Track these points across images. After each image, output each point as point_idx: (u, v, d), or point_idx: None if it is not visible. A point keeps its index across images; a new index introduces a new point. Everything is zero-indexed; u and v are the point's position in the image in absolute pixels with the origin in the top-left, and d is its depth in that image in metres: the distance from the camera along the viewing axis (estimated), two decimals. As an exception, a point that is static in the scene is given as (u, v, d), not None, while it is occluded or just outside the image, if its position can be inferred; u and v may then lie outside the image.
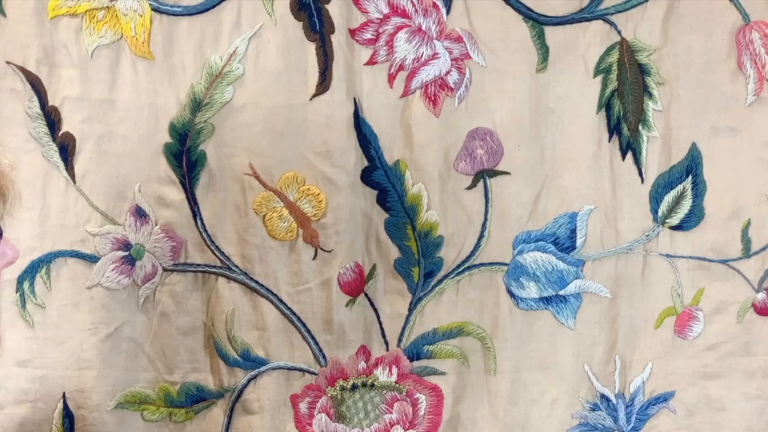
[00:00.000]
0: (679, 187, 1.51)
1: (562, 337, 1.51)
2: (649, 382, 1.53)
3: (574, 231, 1.50)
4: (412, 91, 1.45)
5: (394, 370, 1.50)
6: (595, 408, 1.53)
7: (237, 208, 1.44)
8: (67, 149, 1.40)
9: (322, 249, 1.45)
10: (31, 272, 1.39)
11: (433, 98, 1.46)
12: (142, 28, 1.40)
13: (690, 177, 1.51)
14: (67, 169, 1.40)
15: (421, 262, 1.48)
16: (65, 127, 1.39)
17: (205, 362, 1.47)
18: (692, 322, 1.53)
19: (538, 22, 1.47)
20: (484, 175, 1.47)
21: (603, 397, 1.53)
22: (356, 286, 1.47)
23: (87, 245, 1.41)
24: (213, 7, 1.40)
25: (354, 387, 1.49)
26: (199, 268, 1.45)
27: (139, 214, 1.42)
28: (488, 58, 1.46)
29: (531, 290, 1.50)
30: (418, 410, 1.51)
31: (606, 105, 1.49)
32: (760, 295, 1.54)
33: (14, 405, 1.40)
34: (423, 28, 1.45)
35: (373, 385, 1.50)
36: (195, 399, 1.48)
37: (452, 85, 1.46)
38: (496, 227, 1.48)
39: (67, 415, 1.43)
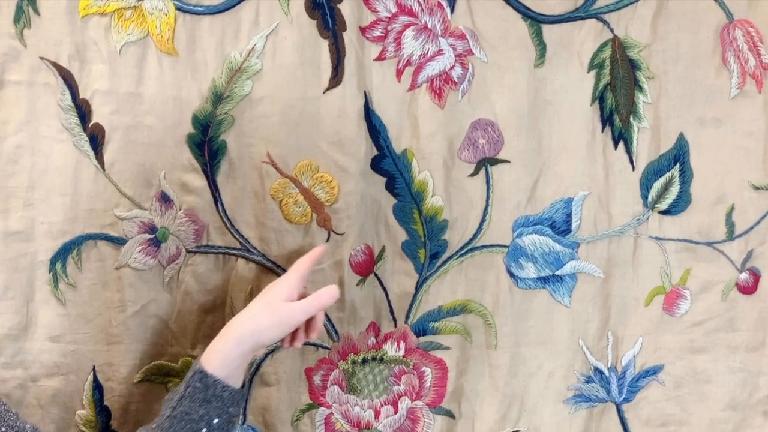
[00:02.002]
0: (668, 175, 1.53)
1: (559, 314, 1.54)
2: (640, 356, 1.56)
3: (569, 215, 1.52)
4: (418, 85, 1.47)
5: (402, 345, 1.53)
6: (589, 380, 1.56)
7: (255, 193, 1.45)
8: (96, 139, 1.40)
9: (334, 232, 1.47)
10: (63, 254, 1.40)
11: (438, 91, 1.48)
12: (167, 26, 1.41)
13: (678, 165, 1.53)
14: (96, 158, 1.41)
15: (427, 244, 1.50)
16: (95, 119, 1.40)
17: None
18: (680, 300, 1.56)
19: (536, 20, 1.48)
20: (485, 163, 1.50)
21: (597, 370, 1.56)
22: (366, 266, 1.50)
23: (115, 228, 1.42)
24: (233, 6, 1.41)
25: (364, 361, 1.52)
26: (220, 250, 1.47)
27: (164, 199, 1.43)
28: (489, 54, 1.48)
29: (529, 270, 1.53)
30: (424, 382, 1.54)
31: (599, 98, 1.51)
32: (743, 275, 1.56)
33: (47, 378, 1.42)
34: (429, 26, 1.47)
35: (382, 359, 1.52)
36: (217, 372, 1.50)
37: (456, 80, 1.48)
38: (496, 212, 1.51)
39: (97, 387, 1.45)
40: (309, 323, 1.33)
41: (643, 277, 1.55)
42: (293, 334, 1.34)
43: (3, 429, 1.20)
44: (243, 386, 1.31)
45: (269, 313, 1.28)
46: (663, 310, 1.56)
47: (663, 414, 1.58)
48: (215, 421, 1.26)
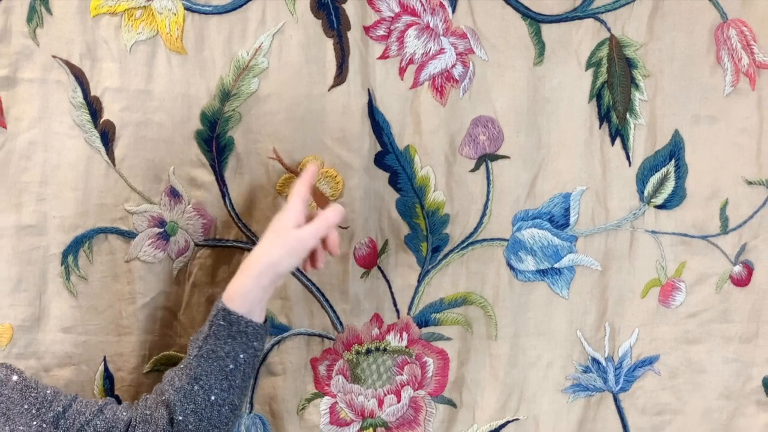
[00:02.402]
0: (663, 170, 1.54)
1: (557, 306, 1.55)
2: (636, 347, 1.57)
3: (567, 210, 1.53)
4: (420, 83, 1.48)
5: (405, 335, 1.53)
6: (587, 370, 1.57)
7: (262, 188, 1.46)
8: (107, 135, 1.41)
9: (339, 226, 1.44)
10: (75, 247, 1.41)
11: (440, 89, 1.48)
12: (176, 26, 1.42)
13: (673, 161, 1.54)
14: (107, 154, 1.41)
15: (429, 237, 1.51)
16: (106, 115, 1.41)
17: None
18: (675, 292, 1.57)
19: (535, 20, 1.49)
20: (486, 158, 1.50)
21: (594, 360, 1.57)
22: (370, 259, 1.51)
23: (126, 222, 1.43)
24: (240, 6, 1.42)
25: (368, 351, 1.53)
26: (228, 243, 1.48)
27: (173, 194, 1.44)
28: (490, 52, 1.49)
29: (529, 263, 1.53)
30: (427, 372, 1.55)
31: (597, 95, 1.51)
32: (737, 268, 1.57)
33: (60, 368, 1.44)
34: (431, 25, 1.47)
35: (385, 350, 1.53)
36: (224, 362, 1.49)
37: (457, 77, 1.48)
38: (496, 206, 1.51)
39: (108, 377, 1.46)
40: (325, 243, 1.33)
41: (640, 269, 1.56)
42: (312, 258, 1.34)
43: (26, 407, 1.22)
44: (266, 321, 1.32)
45: (281, 244, 1.28)
46: (659, 302, 1.57)
47: (658, 403, 1.59)
48: (241, 356, 1.27)
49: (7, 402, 1.21)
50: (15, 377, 1.25)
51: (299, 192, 1.32)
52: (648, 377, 1.59)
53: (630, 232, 1.55)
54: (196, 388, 1.26)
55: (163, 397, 1.26)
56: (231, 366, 1.27)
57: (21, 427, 1.19)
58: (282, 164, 1.46)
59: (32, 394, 1.24)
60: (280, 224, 1.30)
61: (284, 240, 1.28)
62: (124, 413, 1.26)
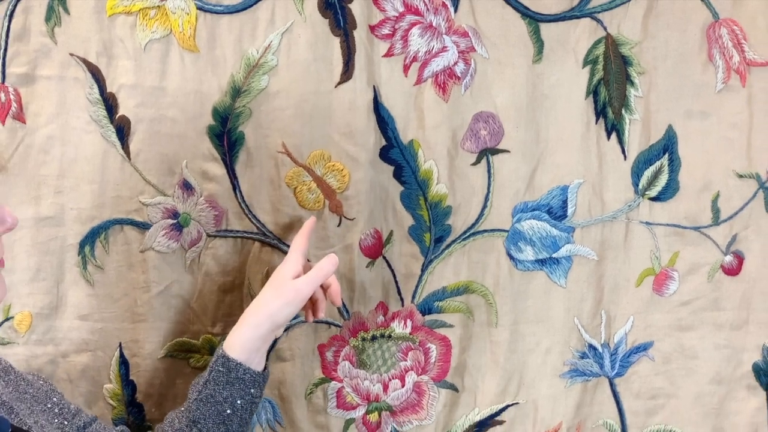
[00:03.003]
0: (657, 163, 1.55)
1: (555, 294, 1.55)
2: (631, 334, 1.58)
3: (565, 202, 1.54)
4: (424, 80, 1.49)
5: (409, 323, 1.55)
6: (583, 356, 1.58)
7: (271, 181, 1.47)
8: (123, 130, 1.43)
9: (345, 217, 1.49)
10: (91, 238, 1.44)
11: (442, 86, 1.50)
12: (189, 25, 1.43)
13: (666, 154, 1.55)
14: (123, 148, 1.43)
15: (432, 228, 1.53)
16: (121, 111, 1.42)
17: None
18: (668, 281, 1.57)
19: (534, 19, 1.50)
20: (486, 152, 1.52)
21: (591, 346, 1.58)
22: (375, 249, 1.52)
23: (140, 214, 1.45)
24: (250, 6, 1.43)
25: (373, 338, 1.54)
26: (239, 234, 1.49)
27: (186, 186, 1.46)
28: (490, 50, 1.50)
29: (528, 253, 1.55)
30: (430, 358, 1.56)
31: (593, 92, 1.53)
32: (728, 258, 1.58)
33: (77, 354, 1.46)
34: (434, 24, 1.49)
35: (390, 336, 1.55)
36: (235, 348, 1.50)
37: (459, 75, 1.50)
38: (497, 198, 1.52)
39: (123, 362, 1.48)
40: (326, 292, 1.37)
41: (634, 259, 1.56)
42: (314, 307, 1.38)
43: (49, 405, 1.26)
44: (265, 368, 1.35)
45: (278, 295, 1.31)
46: (653, 291, 1.58)
47: (653, 387, 1.60)
48: (238, 402, 1.31)
49: (32, 399, 1.24)
50: (41, 382, 1.29)
51: (298, 245, 1.37)
52: (642, 363, 1.59)
53: (625, 223, 1.56)
54: (194, 431, 1.30)
55: None
56: (228, 411, 1.30)
57: (42, 421, 1.21)
58: (290, 158, 1.47)
59: (55, 398, 1.27)
60: (278, 276, 1.33)
61: (281, 291, 1.32)
62: None
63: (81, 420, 1.29)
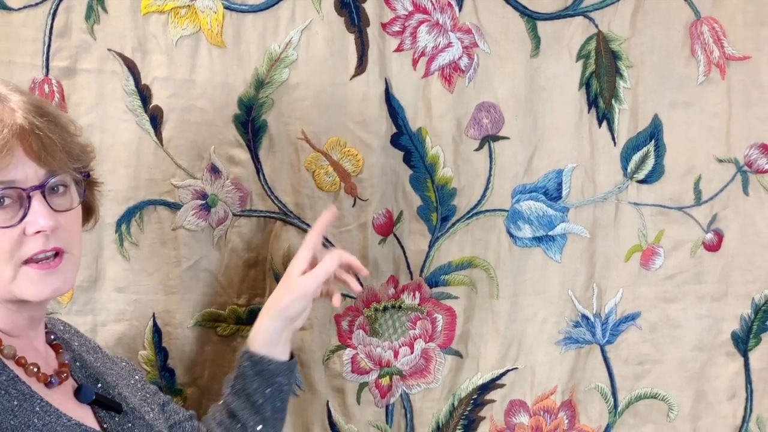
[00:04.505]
0: (644, 149, 1.61)
1: (551, 269, 1.62)
2: (620, 305, 1.64)
3: (560, 184, 1.59)
4: (431, 73, 1.55)
5: (417, 294, 1.59)
6: (577, 325, 1.64)
7: (292, 165, 1.52)
8: (156, 119, 1.47)
9: (359, 198, 1.54)
10: (127, 217, 1.48)
11: (448, 78, 1.55)
12: (216, 23, 1.48)
13: (653, 141, 1.61)
14: (156, 135, 1.48)
15: (438, 208, 1.57)
16: (155, 101, 1.47)
17: (266, 289, 1.54)
18: (654, 256, 1.63)
19: (531, 17, 1.56)
20: (488, 139, 1.57)
21: (583, 316, 1.64)
22: (387, 228, 1.57)
23: (172, 195, 1.50)
24: (273, 5, 1.49)
25: (385, 308, 1.59)
26: (262, 214, 1.53)
27: (214, 170, 1.50)
28: (492, 46, 1.56)
29: (526, 231, 1.60)
30: (436, 327, 1.60)
31: (586, 84, 1.58)
32: (709, 235, 1.64)
33: (114, 323, 1.50)
34: (440, 22, 1.54)
35: (400, 307, 1.59)
36: (258, 318, 1.49)
37: (463, 68, 1.55)
38: (498, 181, 1.58)
39: (156, 331, 1.53)
40: (342, 279, 1.41)
41: (623, 236, 1.63)
42: (329, 293, 1.43)
43: (132, 382, 1.31)
44: (292, 357, 1.40)
45: (287, 291, 1.38)
46: (640, 265, 1.63)
47: (640, 354, 1.66)
48: (267, 390, 1.37)
49: (117, 375, 1.30)
50: (124, 363, 1.36)
51: (308, 241, 1.41)
52: (631, 331, 1.65)
53: (615, 203, 1.61)
54: (233, 422, 1.37)
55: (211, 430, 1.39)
56: (260, 400, 1.37)
57: (126, 393, 1.26)
58: (309, 144, 1.52)
59: (138, 375, 1.34)
60: (288, 274, 1.39)
61: (289, 287, 1.38)
62: (203, 429, 1.38)
63: (160, 399, 1.35)
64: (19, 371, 1.08)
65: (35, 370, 1.10)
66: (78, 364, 1.21)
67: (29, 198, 1.05)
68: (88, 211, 1.20)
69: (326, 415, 1.61)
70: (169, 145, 1.50)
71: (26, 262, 1.06)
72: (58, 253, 1.08)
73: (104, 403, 1.13)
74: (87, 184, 1.16)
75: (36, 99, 1.12)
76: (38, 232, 1.05)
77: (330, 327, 1.60)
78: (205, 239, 1.54)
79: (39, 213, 1.05)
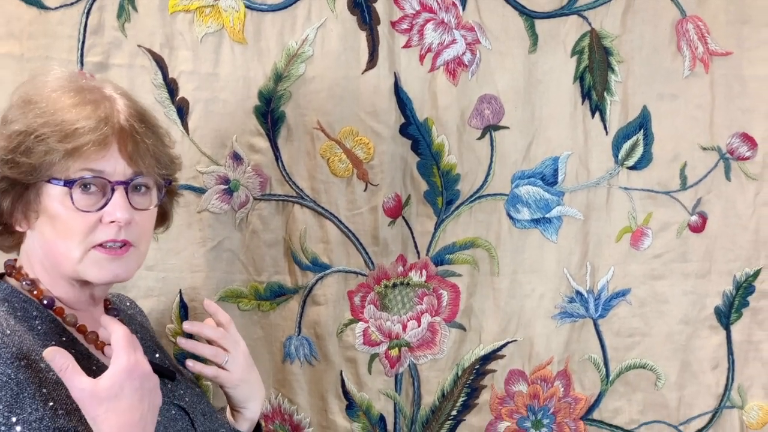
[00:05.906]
0: (634, 138, 1.66)
1: (548, 249, 1.67)
2: (612, 282, 1.70)
3: (556, 170, 1.65)
4: (437, 67, 1.60)
5: (424, 272, 1.64)
6: (572, 301, 1.69)
7: (308, 153, 1.58)
8: (182, 110, 1.52)
9: (370, 183, 1.60)
10: None
11: (452, 72, 1.60)
12: (238, 21, 1.53)
13: (642, 130, 1.66)
14: (182, 125, 1.52)
15: (443, 193, 1.62)
16: (181, 94, 1.52)
17: (284, 267, 1.60)
18: (643, 237, 1.69)
19: (530, 16, 1.61)
20: (490, 129, 1.63)
21: (578, 292, 1.69)
22: (396, 210, 1.61)
23: (197, 180, 1.54)
24: (290, 5, 1.55)
25: (394, 285, 1.63)
26: (280, 198, 1.58)
27: (236, 157, 1.55)
28: (493, 42, 1.61)
29: (524, 214, 1.65)
30: (442, 302, 1.65)
31: (580, 77, 1.64)
32: (693, 218, 1.69)
33: (144, 299, 1.52)
34: (445, 20, 1.59)
35: (408, 284, 1.63)
36: (277, 294, 1.60)
37: (467, 63, 1.60)
38: (498, 167, 1.64)
39: (183, 306, 1.57)
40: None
41: (615, 219, 1.68)
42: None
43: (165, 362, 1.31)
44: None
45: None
46: (630, 245, 1.69)
47: (630, 327, 1.71)
48: None
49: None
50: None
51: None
52: (621, 306, 1.71)
53: (607, 188, 1.67)
54: None
55: None
56: None
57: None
58: (324, 133, 1.58)
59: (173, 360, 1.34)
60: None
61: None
62: None
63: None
64: (79, 337, 1.15)
65: (93, 337, 1.17)
66: (139, 335, 1.25)
67: (113, 190, 1.11)
68: (163, 216, 1.27)
69: (340, 383, 1.65)
70: (195, 134, 1.55)
71: (95, 246, 1.12)
72: (125, 245, 1.13)
73: (159, 371, 1.13)
74: (167, 190, 1.21)
75: (140, 106, 1.19)
76: (113, 221, 1.11)
77: (343, 302, 1.64)
78: (227, 221, 1.58)
79: (118, 205, 1.11)
